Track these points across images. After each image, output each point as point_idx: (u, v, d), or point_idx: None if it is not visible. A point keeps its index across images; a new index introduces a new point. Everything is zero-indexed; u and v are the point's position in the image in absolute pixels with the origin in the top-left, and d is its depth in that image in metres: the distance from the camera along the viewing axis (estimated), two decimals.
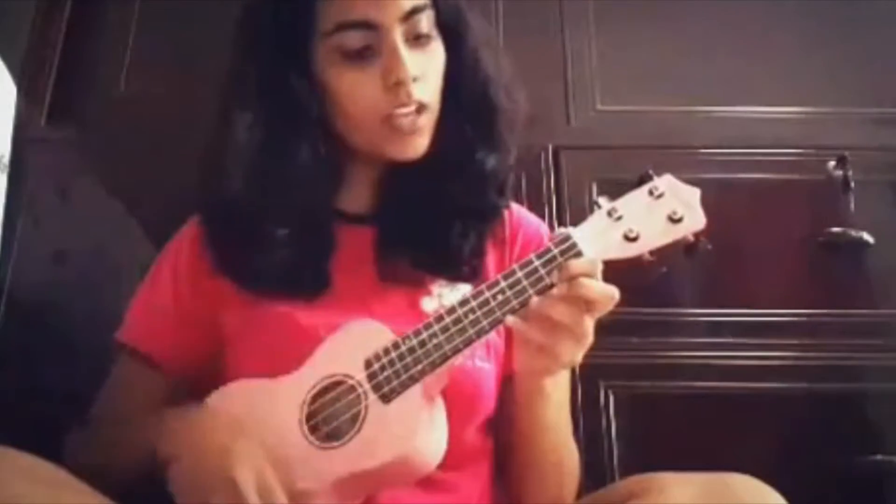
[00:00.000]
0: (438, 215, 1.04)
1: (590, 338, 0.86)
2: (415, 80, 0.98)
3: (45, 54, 1.58)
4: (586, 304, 0.84)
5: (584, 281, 0.84)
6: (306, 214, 1.02)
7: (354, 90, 0.99)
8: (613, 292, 0.85)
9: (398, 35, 0.98)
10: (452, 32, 1.04)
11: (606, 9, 1.67)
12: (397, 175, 1.06)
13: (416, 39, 1.00)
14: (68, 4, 1.63)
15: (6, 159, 1.42)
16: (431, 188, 1.04)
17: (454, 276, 1.03)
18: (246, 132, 1.00)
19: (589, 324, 0.85)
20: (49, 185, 1.48)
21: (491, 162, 1.04)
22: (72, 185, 1.49)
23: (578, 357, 0.87)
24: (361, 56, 0.98)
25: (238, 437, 0.86)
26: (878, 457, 1.34)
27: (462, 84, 1.04)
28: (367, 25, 0.98)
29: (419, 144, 1.01)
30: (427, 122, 1.01)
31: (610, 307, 0.86)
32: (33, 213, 1.45)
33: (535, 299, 0.86)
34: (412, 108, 0.98)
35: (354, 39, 0.98)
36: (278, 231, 1.01)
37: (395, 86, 0.97)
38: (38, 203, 1.46)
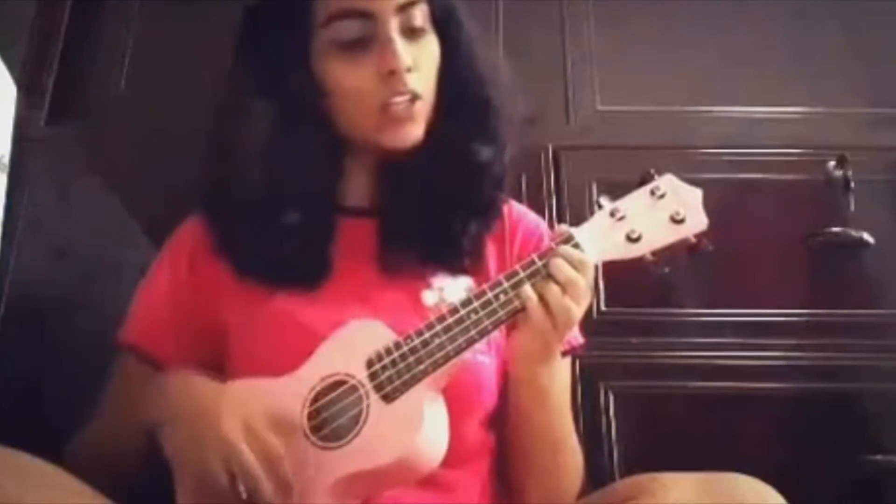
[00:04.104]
0: (438, 207, 1.05)
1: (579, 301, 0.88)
2: (409, 70, 0.99)
3: (45, 54, 1.58)
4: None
5: (558, 260, 0.87)
6: (306, 204, 1.03)
7: (350, 81, 1.00)
8: (577, 279, 0.86)
9: (393, 25, 0.99)
10: (446, 28, 1.05)
11: (606, 9, 1.68)
12: (395, 167, 1.06)
13: (411, 32, 1.01)
14: (68, 4, 1.63)
15: (6, 159, 1.42)
16: (429, 179, 1.04)
17: (456, 268, 1.04)
18: (246, 125, 1.01)
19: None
20: (49, 185, 1.47)
21: (486, 154, 1.05)
22: (72, 185, 1.49)
23: (575, 315, 0.88)
24: (357, 46, 1.00)
25: (226, 392, 0.87)
26: (878, 457, 1.34)
27: (457, 80, 1.05)
28: (363, 15, 0.99)
29: (413, 132, 1.02)
30: (421, 110, 1.02)
31: (580, 296, 0.87)
32: (33, 213, 1.45)
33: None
34: (407, 96, 1.00)
35: (350, 29, 0.99)
36: (279, 220, 1.01)
37: (390, 75, 0.99)
38: (38, 203, 1.45)
